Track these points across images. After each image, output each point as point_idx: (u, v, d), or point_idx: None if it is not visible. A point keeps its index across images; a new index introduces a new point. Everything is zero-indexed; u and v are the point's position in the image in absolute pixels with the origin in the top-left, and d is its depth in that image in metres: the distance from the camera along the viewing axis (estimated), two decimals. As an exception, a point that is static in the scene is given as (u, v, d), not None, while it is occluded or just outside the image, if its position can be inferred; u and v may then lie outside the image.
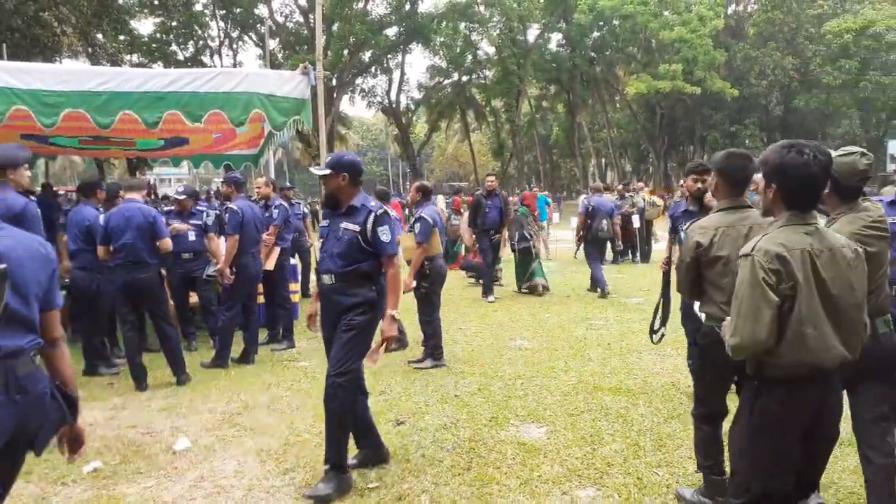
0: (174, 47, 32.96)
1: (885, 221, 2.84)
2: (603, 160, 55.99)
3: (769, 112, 37.00)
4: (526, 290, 10.37)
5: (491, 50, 41.29)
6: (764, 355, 2.27)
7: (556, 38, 42.79)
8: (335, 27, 33.03)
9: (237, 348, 6.43)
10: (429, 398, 5.12)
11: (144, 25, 34.73)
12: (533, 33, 41.98)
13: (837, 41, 31.87)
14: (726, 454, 3.05)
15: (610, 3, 33.47)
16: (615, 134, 47.63)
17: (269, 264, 6.82)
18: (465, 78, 43.38)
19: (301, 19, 35.89)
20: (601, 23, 36.52)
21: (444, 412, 4.78)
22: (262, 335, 7.10)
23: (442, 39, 39.44)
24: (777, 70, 33.95)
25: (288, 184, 11.12)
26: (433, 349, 6.14)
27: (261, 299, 7.29)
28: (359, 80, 39.83)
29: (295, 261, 9.13)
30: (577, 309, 8.97)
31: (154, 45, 31.14)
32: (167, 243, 5.76)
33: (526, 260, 10.53)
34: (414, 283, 6.03)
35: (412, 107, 45.65)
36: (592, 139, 51.73)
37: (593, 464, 3.83)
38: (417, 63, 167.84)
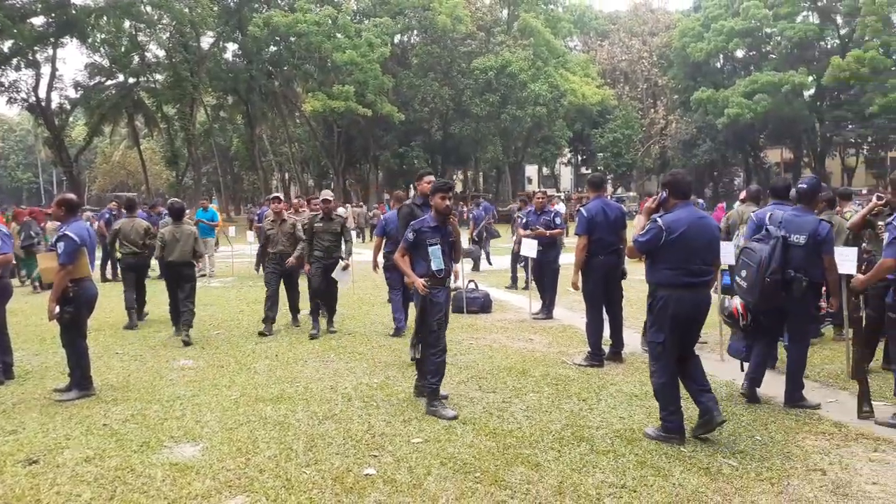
0: None
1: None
2: (286, 174, 56.23)
3: (431, 136, 41.16)
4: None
5: (161, 53, 38.68)
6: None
7: (232, 48, 41.86)
8: (-39, 9, 27.76)
9: None
10: (71, 431, 4.73)
11: None
12: (207, 41, 40.43)
13: (483, 77, 37.04)
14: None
15: (284, 21, 33.91)
16: (296, 149, 48.24)
17: None
18: (132, 80, 39.86)
19: None
20: (277, 38, 36.75)
21: (89, 444, 4.48)
22: None
23: (103, 36, 35.71)
24: (436, 98, 38.02)
25: None
26: (80, 379, 5.65)
27: None
28: (-3, 74, 34.03)
29: None
30: (248, 324, 9.01)
31: None
32: None
33: None
34: (57, 309, 5.50)
35: (67, 107, 40.39)
36: (274, 153, 51.68)
37: (246, 473, 3.98)
38: (74, 59, 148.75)
